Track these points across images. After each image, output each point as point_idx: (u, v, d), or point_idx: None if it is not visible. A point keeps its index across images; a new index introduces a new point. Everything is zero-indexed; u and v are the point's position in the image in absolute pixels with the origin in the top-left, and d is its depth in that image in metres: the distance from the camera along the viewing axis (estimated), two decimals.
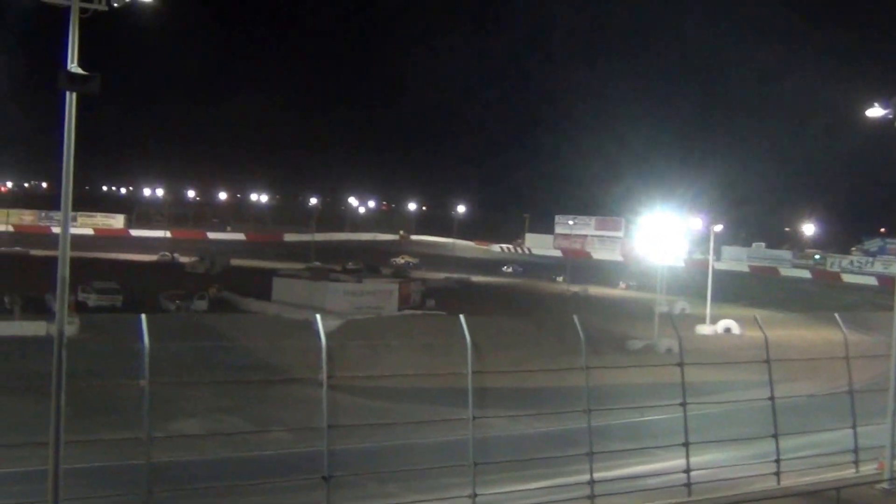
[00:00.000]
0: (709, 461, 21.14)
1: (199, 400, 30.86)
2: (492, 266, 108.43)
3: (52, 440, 13.96)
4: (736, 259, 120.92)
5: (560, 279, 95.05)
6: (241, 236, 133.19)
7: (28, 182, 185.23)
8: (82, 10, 14.01)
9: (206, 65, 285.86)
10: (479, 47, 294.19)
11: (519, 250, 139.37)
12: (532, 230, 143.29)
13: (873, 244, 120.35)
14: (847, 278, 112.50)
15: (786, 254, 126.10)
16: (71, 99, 13.94)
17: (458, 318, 17.39)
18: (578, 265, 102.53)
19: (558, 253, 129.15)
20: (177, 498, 17.56)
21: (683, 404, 19.90)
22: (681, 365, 20.34)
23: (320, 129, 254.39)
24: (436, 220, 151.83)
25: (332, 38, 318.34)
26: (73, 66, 13.81)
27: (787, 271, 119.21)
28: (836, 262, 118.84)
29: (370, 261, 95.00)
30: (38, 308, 46.61)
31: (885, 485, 20.82)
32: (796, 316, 60.84)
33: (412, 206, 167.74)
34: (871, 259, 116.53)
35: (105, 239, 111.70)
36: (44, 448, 14.18)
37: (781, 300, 77.72)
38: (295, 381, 29.91)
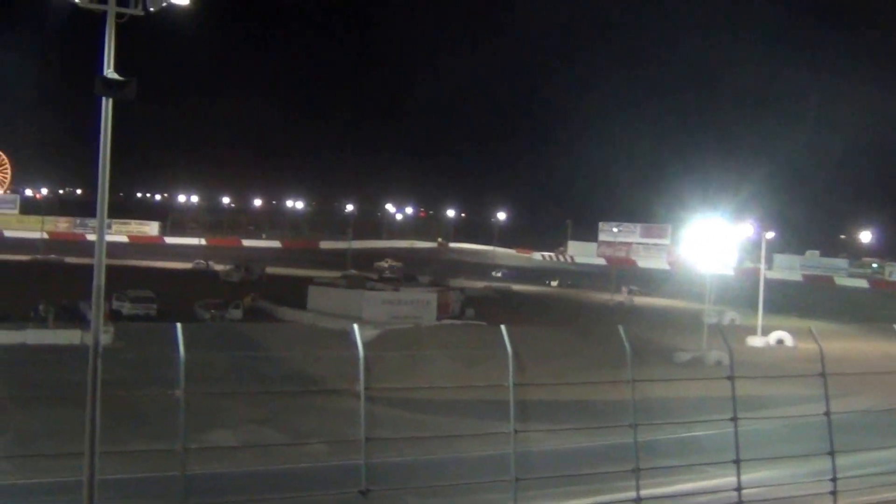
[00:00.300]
0: (761, 479, 20.86)
1: (234, 411, 31.14)
2: (532, 275, 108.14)
3: (87, 451, 14.11)
4: (788, 268, 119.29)
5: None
6: (276, 244, 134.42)
7: (62, 189, 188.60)
8: (118, 15, 14.21)
9: (241, 70, 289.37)
10: (525, 51, 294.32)
11: (561, 258, 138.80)
12: (575, 237, 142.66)
13: None
14: None
15: (842, 262, 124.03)
16: (107, 105, 14.12)
17: (499, 329, 17.33)
18: (623, 274, 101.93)
19: (602, 261, 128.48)
20: None
21: (734, 419, 19.62)
22: (731, 378, 20.06)
23: (357, 134, 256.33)
24: (475, 227, 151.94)
25: (370, 42, 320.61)
26: (109, 72, 14.01)
27: (842, 280, 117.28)
28: (895, 272, 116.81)
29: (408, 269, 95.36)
30: (72, 316, 47.44)
31: None
32: (852, 327, 59.96)
33: (451, 213, 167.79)
34: None
35: (139, 246, 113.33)
36: (78, 458, 14.36)
37: (837, 311, 76.54)
38: (331, 393, 30.07)
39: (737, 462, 19.48)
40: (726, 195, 79.59)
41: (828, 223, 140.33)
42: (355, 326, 17.32)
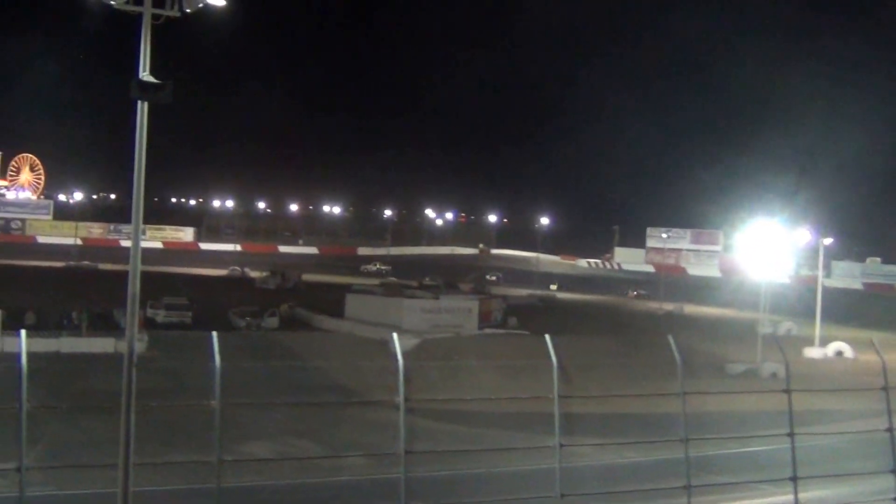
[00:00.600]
0: (820, 498, 20.60)
1: (270, 422, 31.38)
2: (575, 282, 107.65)
3: (122, 462, 14.30)
4: (848, 275, 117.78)
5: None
6: (313, 250, 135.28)
7: (96, 194, 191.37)
8: (154, 17, 14.40)
9: (277, 74, 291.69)
10: (571, 53, 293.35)
11: (608, 265, 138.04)
12: (622, 244, 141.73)
13: None
14: None
15: None
16: (143, 108, 14.31)
17: (544, 338, 17.27)
18: (672, 282, 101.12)
19: (650, 268, 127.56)
20: None
21: (791, 434, 19.35)
22: (788, 391, 19.80)
23: (396, 138, 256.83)
24: (518, 233, 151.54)
25: (413, 45, 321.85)
26: (145, 75, 14.20)
27: None
28: None
29: (448, 276, 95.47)
30: (106, 324, 48.12)
31: None
32: None
33: (493, 219, 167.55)
34: None
35: (174, 252, 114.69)
36: (112, 469, 14.54)
37: None
38: (370, 404, 30.16)
39: (794, 479, 19.21)
40: (782, 199, 78.61)
41: (890, 229, 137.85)
42: (395, 336, 17.39)
